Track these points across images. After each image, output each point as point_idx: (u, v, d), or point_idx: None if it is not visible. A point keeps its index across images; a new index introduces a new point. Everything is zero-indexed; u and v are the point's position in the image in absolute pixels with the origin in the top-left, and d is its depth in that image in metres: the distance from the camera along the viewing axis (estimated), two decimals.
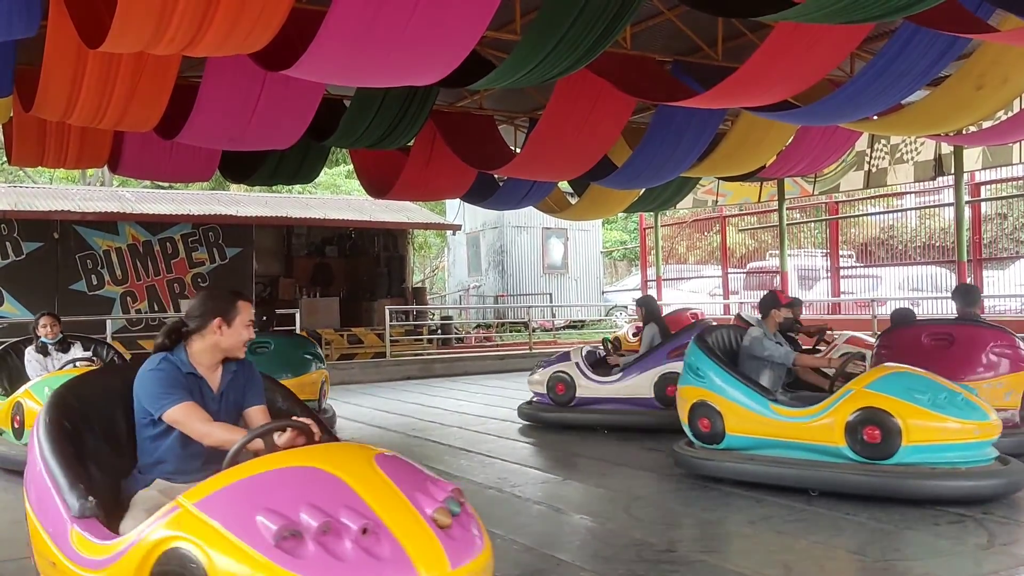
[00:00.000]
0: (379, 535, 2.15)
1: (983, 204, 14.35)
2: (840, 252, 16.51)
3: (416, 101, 7.86)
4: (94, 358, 7.01)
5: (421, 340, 16.81)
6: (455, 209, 23.34)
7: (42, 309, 7.64)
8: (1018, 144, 11.36)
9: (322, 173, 12.22)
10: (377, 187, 10.62)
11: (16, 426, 6.35)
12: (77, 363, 6.68)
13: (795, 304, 8.82)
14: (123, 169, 9.43)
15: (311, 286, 17.60)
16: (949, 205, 13.46)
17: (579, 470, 6.42)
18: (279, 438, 2.75)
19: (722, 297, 18.50)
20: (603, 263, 26.31)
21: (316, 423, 2.89)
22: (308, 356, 8.16)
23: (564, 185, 12.32)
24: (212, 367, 3.08)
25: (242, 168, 9.73)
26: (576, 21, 5.59)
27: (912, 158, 12.89)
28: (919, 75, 6.76)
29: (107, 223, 14.40)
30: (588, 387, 8.06)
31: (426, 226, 19.96)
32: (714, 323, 7.02)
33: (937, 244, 17.21)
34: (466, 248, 24.99)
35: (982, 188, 13.55)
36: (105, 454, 3.03)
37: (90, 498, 2.59)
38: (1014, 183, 14.77)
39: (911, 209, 17.73)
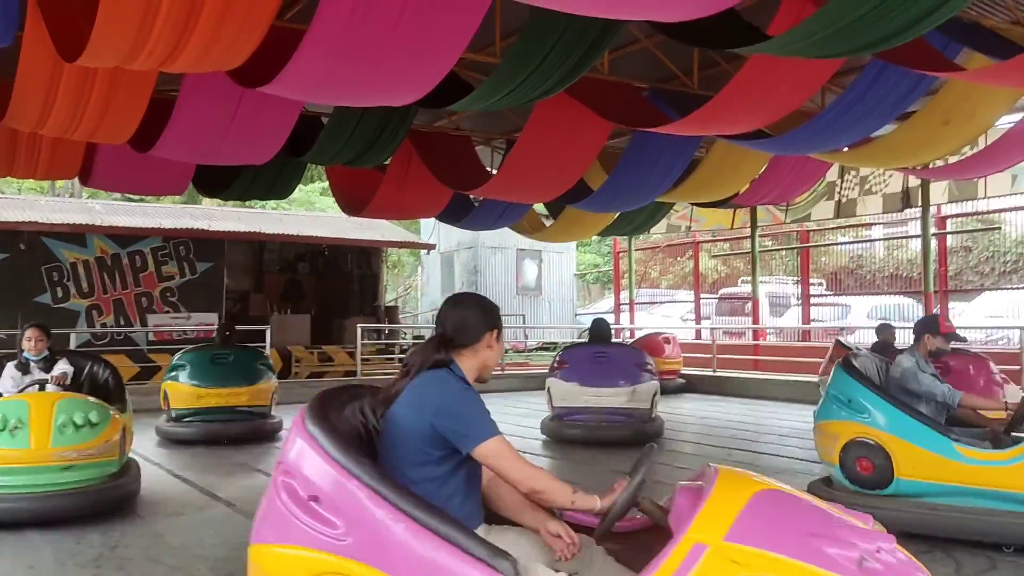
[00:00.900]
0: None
1: (949, 237, 14.61)
2: (811, 280, 16.72)
3: (394, 120, 7.87)
4: (64, 376, 6.03)
5: (392, 359, 16.72)
6: (430, 228, 23.33)
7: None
8: (983, 179, 11.60)
9: (297, 190, 12.18)
10: (352, 204, 10.60)
11: None
12: (43, 386, 5.84)
13: (952, 338, 8.56)
14: (95, 181, 9.33)
15: (282, 302, 17.46)
16: (916, 237, 13.71)
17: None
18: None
19: (694, 322, 18.63)
20: (577, 286, 26.41)
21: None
22: (262, 367, 9.44)
23: (539, 207, 12.38)
24: None
25: (216, 182, 9.67)
26: (556, 46, 5.66)
27: (881, 190, 13.12)
28: (888, 110, 6.92)
29: (75, 235, 14.21)
30: None
31: (400, 244, 19.93)
32: (861, 350, 6.83)
33: (904, 275, 17.49)
34: (440, 268, 24.97)
35: (948, 221, 13.81)
36: None
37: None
38: (978, 217, 15.08)
39: (879, 240, 18.03)
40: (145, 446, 8.03)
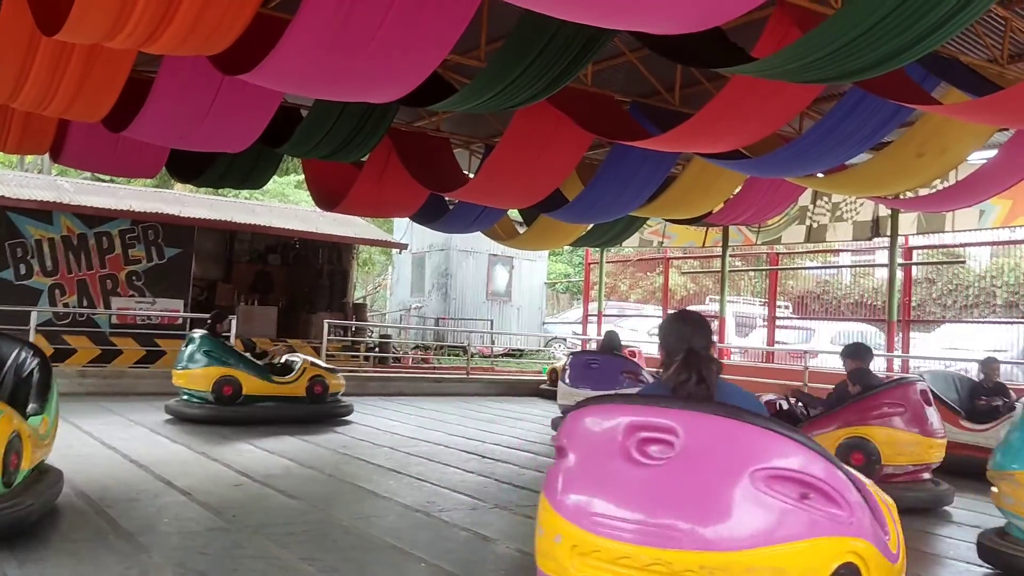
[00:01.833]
0: None
1: (914, 268, 14.84)
2: (777, 302, 16.89)
3: (374, 117, 7.84)
4: None
5: (357, 357, 16.62)
6: (403, 228, 23.25)
7: None
8: (952, 213, 11.80)
9: (271, 181, 12.07)
10: (327, 199, 10.53)
11: None
12: None
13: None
14: (65, 158, 9.17)
15: (250, 293, 17.30)
16: (883, 266, 13.89)
17: (511, 498, 6.40)
18: None
19: None
20: (546, 294, 26.46)
21: None
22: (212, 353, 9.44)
23: (514, 214, 12.39)
24: None
25: (190, 168, 9.55)
26: (541, 54, 5.68)
27: (852, 217, 13.30)
28: (864, 138, 7.02)
29: (42, 212, 13.96)
30: None
31: (372, 242, 19.83)
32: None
33: (869, 302, 17.75)
34: (411, 268, 24.88)
35: (914, 252, 14.03)
36: None
37: None
38: (944, 250, 15.34)
39: (847, 266, 18.29)
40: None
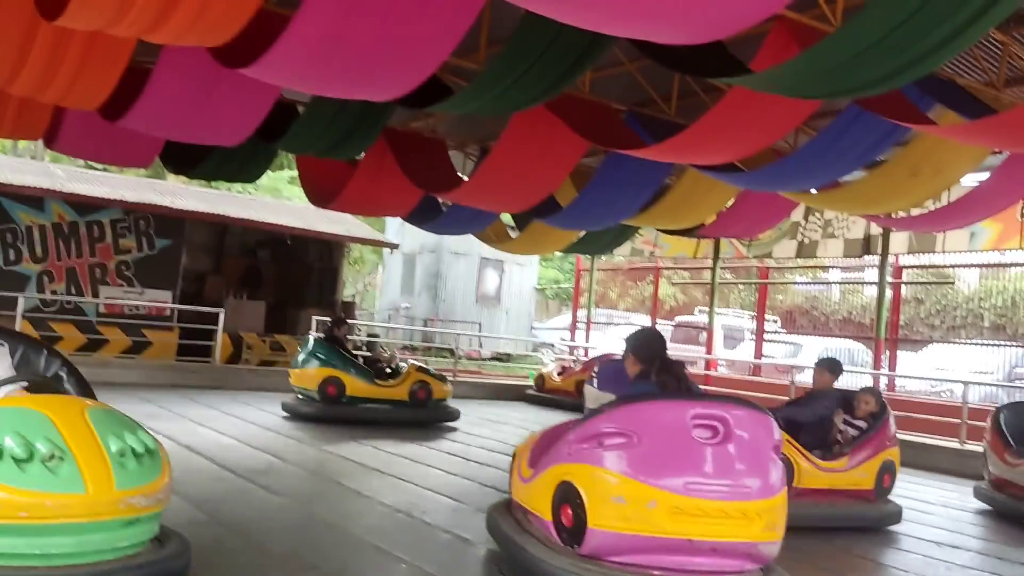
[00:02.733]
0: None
1: (903, 287, 14.93)
2: (766, 316, 16.95)
3: (371, 116, 7.83)
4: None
5: None
6: (395, 228, 23.23)
7: None
8: (943, 234, 11.88)
9: (265, 176, 12.04)
10: (320, 196, 10.51)
11: None
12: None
13: None
14: (60, 145, 9.12)
15: (240, 287, 17.21)
16: (872, 284, 13.97)
17: (493, 502, 6.37)
18: None
19: None
20: (535, 299, 26.48)
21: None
22: None
23: (507, 218, 12.39)
24: None
25: (184, 159, 9.51)
26: (540, 59, 5.69)
27: (843, 234, 13.37)
28: (858, 156, 7.05)
29: (34, 198, 13.88)
30: None
31: (364, 241, 19.79)
32: None
33: (857, 319, 17.85)
34: (401, 268, 24.86)
35: (904, 271, 14.11)
36: None
37: None
38: (933, 270, 15.43)
39: (836, 283, 18.39)
40: None
